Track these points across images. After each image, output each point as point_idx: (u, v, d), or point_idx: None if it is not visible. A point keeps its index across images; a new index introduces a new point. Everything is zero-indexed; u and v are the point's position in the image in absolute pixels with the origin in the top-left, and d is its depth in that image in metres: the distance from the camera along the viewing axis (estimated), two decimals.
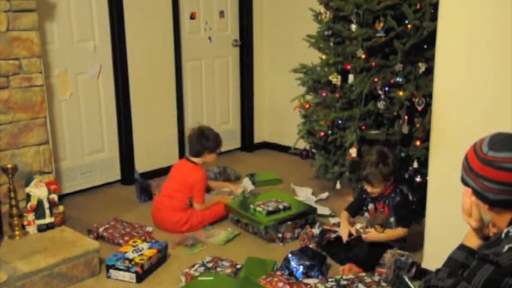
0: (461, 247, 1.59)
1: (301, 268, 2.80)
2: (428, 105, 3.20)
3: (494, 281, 1.34)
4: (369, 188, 3.04)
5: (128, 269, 2.85)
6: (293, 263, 2.83)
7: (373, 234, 2.96)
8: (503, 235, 1.41)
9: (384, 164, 2.96)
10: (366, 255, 2.91)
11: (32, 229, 2.99)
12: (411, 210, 3.13)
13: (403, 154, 3.39)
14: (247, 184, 4.23)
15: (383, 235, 2.96)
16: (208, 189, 3.83)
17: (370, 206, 3.11)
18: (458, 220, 2.44)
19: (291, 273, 2.81)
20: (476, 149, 1.45)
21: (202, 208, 3.54)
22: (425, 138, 3.19)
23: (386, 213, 3.02)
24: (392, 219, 3.01)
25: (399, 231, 2.98)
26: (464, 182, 1.49)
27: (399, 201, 3.01)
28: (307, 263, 2.82)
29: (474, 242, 1.57)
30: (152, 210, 3.59)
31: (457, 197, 2.53)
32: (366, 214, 3.15)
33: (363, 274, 2.78)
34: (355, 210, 3.21)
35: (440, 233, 2.66)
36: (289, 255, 2.87)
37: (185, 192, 3.51)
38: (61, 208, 3.13)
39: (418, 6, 3.31)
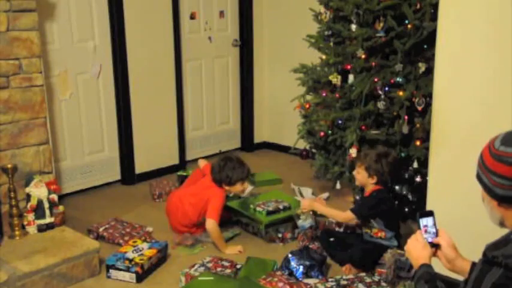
0: (419, 267, 1.65)
1: (301, 268, 2.80)
2: (428, 105, 3.20)
3: (502, 286, 1.30)
4: (355, 171, 3.11)
5: (128, 269, 2.85)
6: (293, 263, 2.83)
7: (306, 202, 3.22)
8: None
9: (378, 161, 2.96)
10: (360, 255, 2.91)
11: (32, 229, 2.99)
12: (375, 207, 2.96)
13: (403, 154, 3.39)
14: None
15: (324, 209, 3.13)
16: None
17: None
18: (458, 220, 2.44)
19: (291, 273, 2.81)
20: (489, 145, 1.44)
21: (213, 228, 3.18)
22: (425, 138, 3.19)
23: None
24: (375, 224, 2.97)
25: (342, 213, 3.01)
26: (479, 178, 1.49)
27: (367, 196, 3.02)
28: (307, 263, 2.82)
29: (423, 261, 1.66)
30: (168, 204, 3.47)
31: (456, 196, 2.53)
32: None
33: (363, 274, 2.78)
34: None
35: None
36: (289, 255, 2.87)
37: (197, 208, 3.32)
38: (61, 208, 3.13)
39: (418, 6, 3.31)
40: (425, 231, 1.71)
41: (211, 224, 3.18)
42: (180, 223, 3.40)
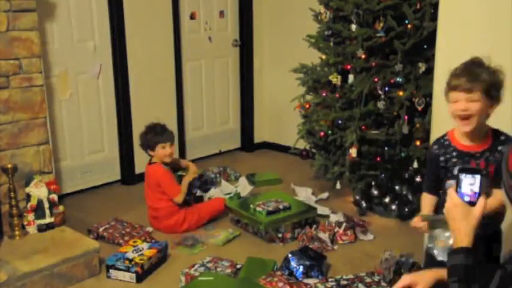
0: (456, 251, 1.41)
1: (301, 268, 2.80)
2: (428, 105, 3.20)
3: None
4: (459, 105, 1.86)
5: (128, 269, 2.85)
6: (293, 263, 2.83)
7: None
8: None
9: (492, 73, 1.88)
10: None
11: (32, 229, 2.99)
12: None
13: (403, 154, 3.39)
14: (244, 184, 4.21)
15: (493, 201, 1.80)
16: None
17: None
18: None
19: (291, 273, 2.81)
20: None
21: (180, 199, 3.45)
22: (425, 138, 3.19)
23: (491, 175, 1.89)
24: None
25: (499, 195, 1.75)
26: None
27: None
28: (307, 263, 2.82)
29: (465, 241, 1.40)
30: (148, 217, 3.58)
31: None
32: (451, 182, 1.87)
33: (363, 274, 2.78)
34: (435, 184, 2.10)
35: None
36: (289, 255, 2.87)
37: (165, 196, 3.47)
38: (61, 208, 3.13)
39: (418, 6, 3.31)
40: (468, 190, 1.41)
41: (177, 200, 3.45)
42: (176, 228, 3.45)
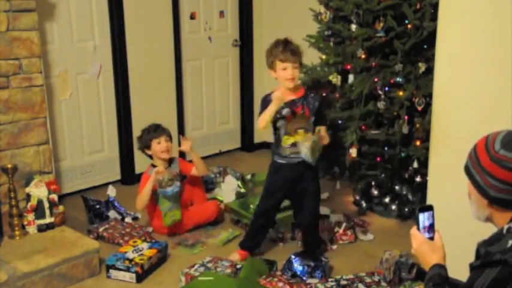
0: (432, 267, 1.58)
1: (305, 268, 2.80)
2: (428, 105, 3.20)
3: (502, 281, 1.32)
4: (288, 72, 2.93)
5: (128, 269, 2.85)
6: (296, 265, 2.82)
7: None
8: (504, 231, 1.40)
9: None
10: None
11: (32, 229, 2.99)
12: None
13: (403, 154, 3.38)
14: (231, 181, 4.14)
15: (323, 136, 2.84)
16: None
17: (286, 111, 2.94)
18: (458, 220, 2.44)
19: (294, 275, 2.80)
20: (488, 145, 1.44)
21: (138, 203, 3.39)
22: (425, 138, 3.19)
23: (307, 115, 2.89)
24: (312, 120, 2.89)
25: (324, 130, 2.90)
26: (469, 172, 1.49)
27: (321, 102, 2.97)
28: (312, 263, 2.81)
29: (435, 259, 1.60)
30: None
31: (456, 196, 2.53)
32: (282, 122, 2.99)
33: (363, 274, 2.78)
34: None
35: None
36: (292, 257, 2.86)
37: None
38: (61, 208, 3.12)
39: (418, 6, 3.31)
40: (427, 226, 1.62)
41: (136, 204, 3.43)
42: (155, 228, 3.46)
